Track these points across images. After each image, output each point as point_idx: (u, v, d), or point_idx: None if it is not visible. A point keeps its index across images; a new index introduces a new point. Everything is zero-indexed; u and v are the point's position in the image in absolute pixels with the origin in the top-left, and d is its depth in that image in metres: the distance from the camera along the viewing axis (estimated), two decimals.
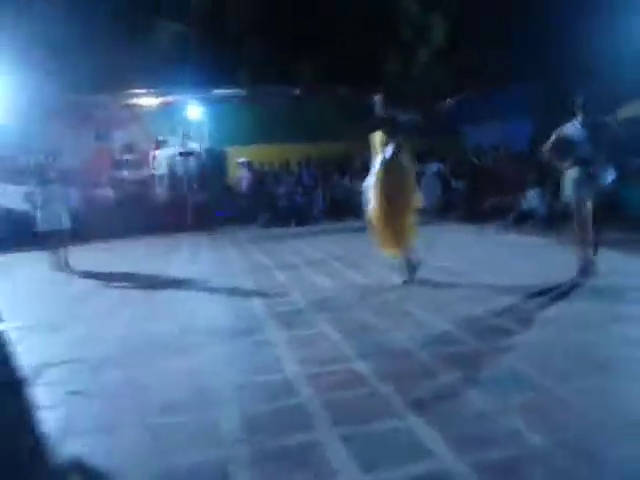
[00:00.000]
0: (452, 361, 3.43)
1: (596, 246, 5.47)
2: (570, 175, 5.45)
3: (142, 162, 14.54)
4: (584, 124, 5.33)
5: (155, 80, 14.10)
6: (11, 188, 11.55)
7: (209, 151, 14.55)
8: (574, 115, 5.45)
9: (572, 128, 5.41)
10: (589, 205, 5.34)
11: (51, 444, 2.71)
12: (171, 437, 2.70)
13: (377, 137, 5.60)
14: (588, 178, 5.33)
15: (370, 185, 5.58)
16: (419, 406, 2.82)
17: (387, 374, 3.28)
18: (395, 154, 5.43)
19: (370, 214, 5.56)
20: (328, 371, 3.42)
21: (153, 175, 14.44)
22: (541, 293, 4.97)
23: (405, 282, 5.67)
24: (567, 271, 5.49)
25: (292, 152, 14.84)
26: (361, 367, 3.43)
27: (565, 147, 5.48)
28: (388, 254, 5.78)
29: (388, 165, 5.43)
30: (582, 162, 5.34)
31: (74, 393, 3.35)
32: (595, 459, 2.25)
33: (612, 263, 5.79)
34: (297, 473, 2.29)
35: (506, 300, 4.80)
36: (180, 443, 2.62)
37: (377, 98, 5.98)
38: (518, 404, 2.76)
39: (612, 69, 9.73)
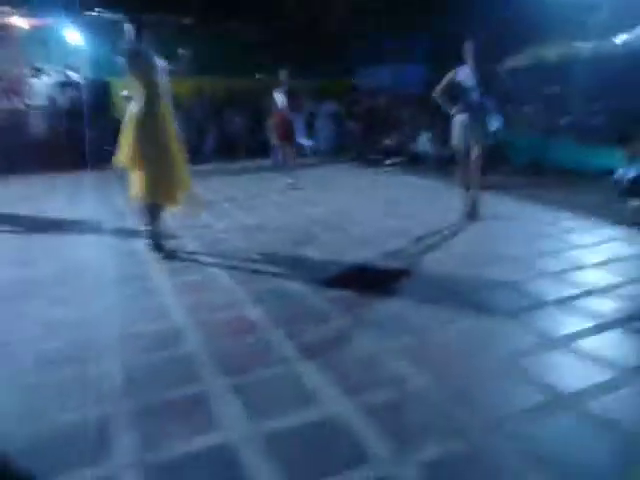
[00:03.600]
0: (342, 305, 3.47)
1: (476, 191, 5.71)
2: (458, 121, 5.58)
3: (15, 91, 13.13)
4: (474, 71, 5.43)
5: None
6: None
7: (91, 82, 13.40)
8: (464, 61, 5.52)
9: (462, 74, 5.49)
10: (476, 150, 5.52)
11: None
12: (46, 396, 2.50)
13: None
14: (475, 124, 5.49)
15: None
16: (309, 352, 2.83)
17: (278, 319, 3.25)
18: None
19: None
20: (217, 318, 3.34)
21: (29, 106, 13.12)
22: (428, 236, 5.16)
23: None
24: (453, 214, 5.74)
25: (182, 85, 14.03)
26: (252, 312, 3.38)
27: (455, 92, 5.58)
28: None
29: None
30: (470, 108, 5.47)
31: None
32: (468, 398, 2.38)
33: (495, 207, 6.10)
34: (182, 428, 2.21)
35: (395, 243, 4.92)
36: (56, 402, 2.43)
37: (127, 26, 4.67)
38: (403, 347, 2.85)
39: (502, 19, 9.99)
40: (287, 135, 8.14)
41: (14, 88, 13.10)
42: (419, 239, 5.06)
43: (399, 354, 2.76)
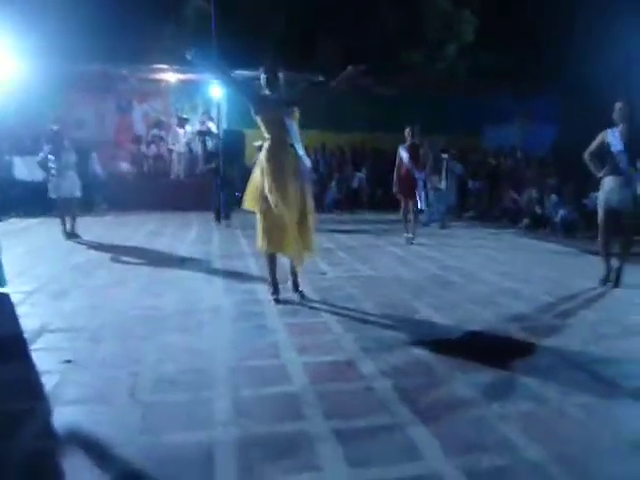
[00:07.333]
0: (453, 363, 3.35)
1: (622, 257, 5.40)
2: (605, 184, 5.35)
3: (162, 138, 14.48)
4: (623, 133, 5.20)
5: (178, 56, 14.00)
6: (21, 160, 11.52)
7: (228, 132, 14.42)
8: (613, 123, 5.31)
9: (612, 136, 5.27)
10: (623, 215, 5.28)
11: (43, 410, 2.69)
12: (160, 414, 2.65)
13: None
14: (624, 189, 5.22)
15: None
16: (413, 403, 2.75)
17: (385, 369, 3.22)
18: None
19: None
20: (325, 361, 3.36)
21: (171, 152, 14.39)
22: (554, 302, 4.87)
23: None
24: (583, 280, 5.42)
25: (309, 138, 14.65)
26: (359, 359, 3.37)
27: (604, 154, 5.37)
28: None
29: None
30: (618, 172, 5.23)
31: (68, 361, 3.31)
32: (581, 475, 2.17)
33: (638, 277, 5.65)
34: (283, 463, 2.23)
35: (517, 306, 4.69)
36: (169, 422, 2.57)
37: (263, 77, 4.63)
38: (517, 414, 2.68)
39: None
40: (409, 191, 8.22)
41: (162, 136, 14.47)
42: (543, 305, 4.78)
43: (512, 421, 2.60)
